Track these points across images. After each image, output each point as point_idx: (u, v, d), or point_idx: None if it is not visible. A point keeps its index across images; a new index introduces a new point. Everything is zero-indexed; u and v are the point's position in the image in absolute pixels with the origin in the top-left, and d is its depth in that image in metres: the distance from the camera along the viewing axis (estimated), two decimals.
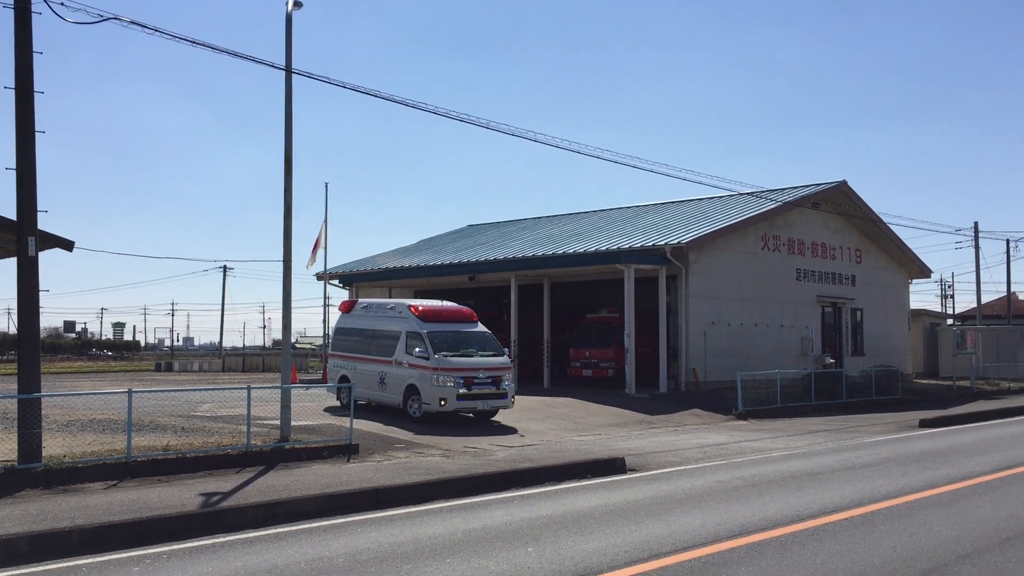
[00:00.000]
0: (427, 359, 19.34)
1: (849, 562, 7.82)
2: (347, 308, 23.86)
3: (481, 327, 21.30)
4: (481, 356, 19.97)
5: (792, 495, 11.38)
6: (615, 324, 28.77)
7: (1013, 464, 14.21)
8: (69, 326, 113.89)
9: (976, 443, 17.66)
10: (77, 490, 11.38)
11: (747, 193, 33.44)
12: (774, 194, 33.84)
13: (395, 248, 43.79)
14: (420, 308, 20.93)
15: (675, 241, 28.12)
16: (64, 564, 8.11)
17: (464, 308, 21.81)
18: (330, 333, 28.28)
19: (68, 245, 13.87)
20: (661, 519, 9.84)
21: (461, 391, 19.07)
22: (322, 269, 38.11)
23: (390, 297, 37.80)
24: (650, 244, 28.51)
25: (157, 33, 13.57)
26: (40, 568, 7.98)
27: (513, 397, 20.11)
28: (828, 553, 8.16)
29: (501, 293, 31.83)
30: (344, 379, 22.11)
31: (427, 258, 37.20)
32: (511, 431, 19.01)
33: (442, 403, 19.01)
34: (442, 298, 24.66)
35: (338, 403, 22.06)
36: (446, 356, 19.38)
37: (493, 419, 20.30)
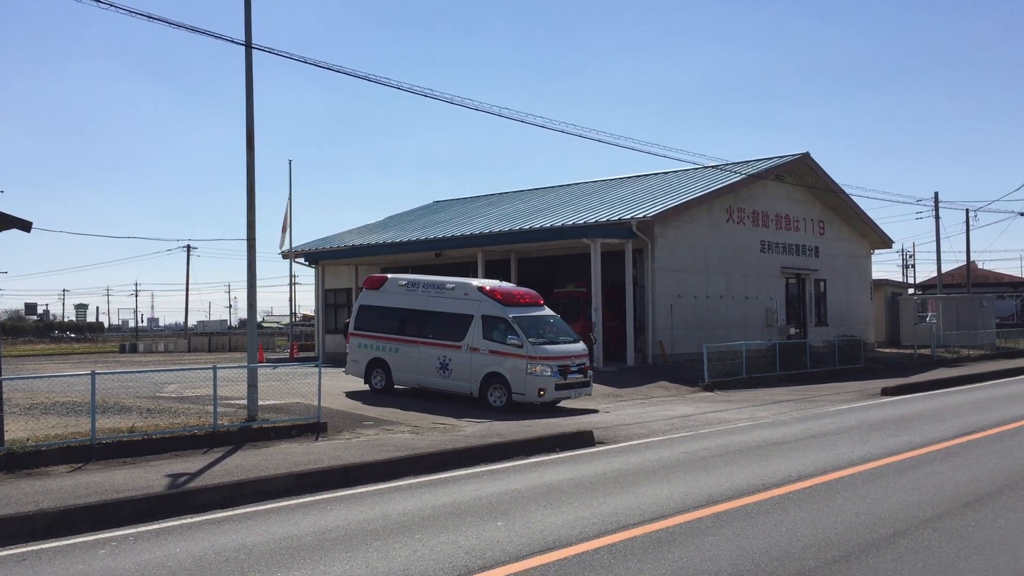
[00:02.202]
0: (520, 347, 18.49)
1: (814, 529, 7.94)
2: (376, 284, 21.85)
3: (550, 311, 20.55)
4: (564, 343, 19.37)
5: (758, 464, 11.53)
6: (582, 299, 28.84)
7: (972, 430, 14.49)
8: (30, 308, 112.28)
9: (937, 410, 17.98)
10: (41, 473, 11.24)
11: (712, 166, 33.59)
12: (739, 167, 34.01)
13: (361, 225, 43.53)
14: (496, 290, 19.78)
15: (641, 215, 28.20)
16: (29, 548, 8.02)
17: (531, 291, 20.94)
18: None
19: (26, 226, 13.59)
20: (629, 491, 9.93)
21: (558, 380, 18.55)
22: (288, 247, 37.87)
23: (356, 274, 37.64)
24: (616, 218, 28.57)
25: (112, 8, 13.29)
26: (5, 553, 7.88)
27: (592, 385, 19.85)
28: (793, 521, 8.28)
29: (468, 269, 31.74)
30: (376, 361, 20.99)
31: (393, 235, 37.01)
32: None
33: (541, 393, 18.37)
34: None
35: (367, 387, 21.13)
36: (539, 344, 18.69)
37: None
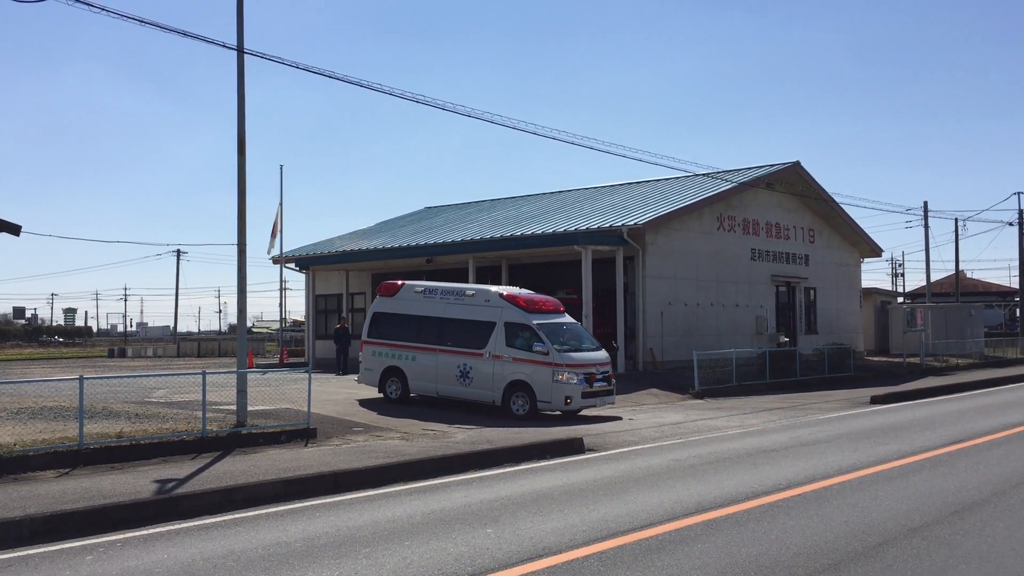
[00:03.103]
0: (546, 354, 18.26)
1: (803, 537, 7.95)
2: (392, 290, 21.29)
3: (570, 318, 20.28)
4: (588, 351, 19.20)
5: (747, 472, 11.54)
6: (574, 305, 28.83)
7: (961, 439, 14.53)
8: (18, 312, 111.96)
9: (925, 418, 18.03)
10: (28, 479, 11.18)
11: (703, 174, 33.66)
12: (730, 175, 34.11)
13: (352, 231, 43.50)
14: (519, 297, 19.46)
15: (632, 222, 28.26)
16: (16, 554, 7.97)
17: (552, 298, 20.67)
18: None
19: (15, 229, 13.59)
20: (619, 498, 9.92)
21: (584, 388, 18.42)
22: (278, 252, 37.81)
23: (347, 280, 37.62)
24: (607, 225, 28.62)
25: (104, 12, 13.27)
26: None
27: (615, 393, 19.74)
28: (782, 528, 8.29)
29: (459, 275, 31.76)
30: (392, 370, 20.39)
31: (384, 240, 37.01)
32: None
33: (568, 401, 18.26)
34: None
35: (380, 395, 20.62)
36: (564, 351, 18.49)
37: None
